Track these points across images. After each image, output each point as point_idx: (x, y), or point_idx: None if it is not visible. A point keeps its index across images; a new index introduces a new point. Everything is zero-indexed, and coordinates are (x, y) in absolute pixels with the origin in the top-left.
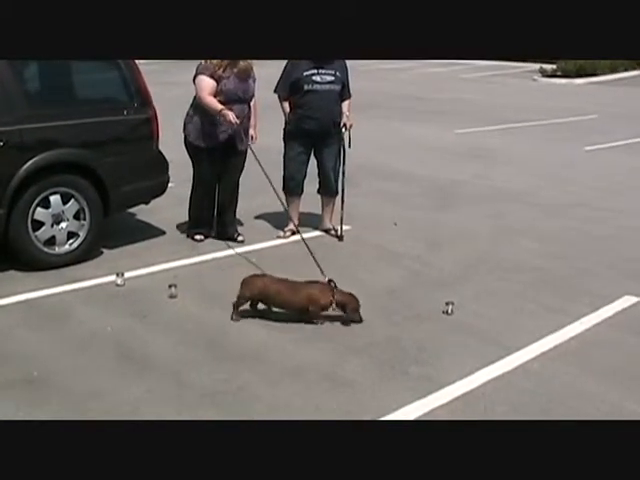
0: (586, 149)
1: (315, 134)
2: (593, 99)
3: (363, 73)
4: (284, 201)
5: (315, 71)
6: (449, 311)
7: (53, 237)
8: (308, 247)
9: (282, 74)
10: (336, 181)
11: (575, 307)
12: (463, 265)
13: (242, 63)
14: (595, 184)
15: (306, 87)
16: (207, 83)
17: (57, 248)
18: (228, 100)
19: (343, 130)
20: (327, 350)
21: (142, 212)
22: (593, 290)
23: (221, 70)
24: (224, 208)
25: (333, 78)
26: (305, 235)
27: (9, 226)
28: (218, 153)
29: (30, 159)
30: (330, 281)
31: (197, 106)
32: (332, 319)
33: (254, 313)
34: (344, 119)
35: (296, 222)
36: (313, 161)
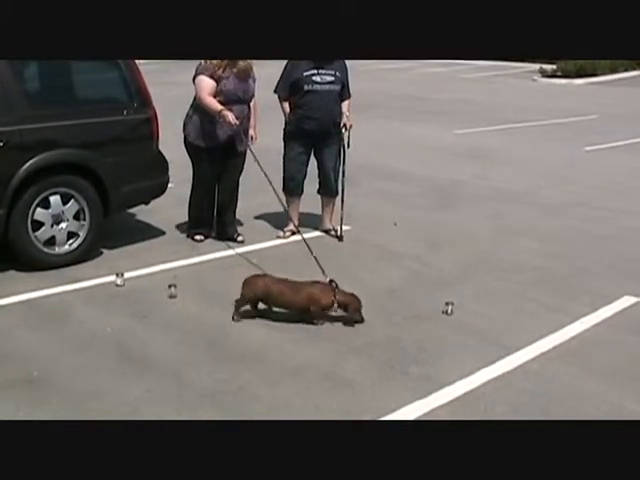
0: (586, 149)
1: (315, 134)
2: (593, 99)
3: (363, 73)
4: (284, 201)
5: (315, 71)
6: (449, 311)
7: (53, 237)
8: (309, 247)
9: (282, 74)
10: (336, 181)
11: (575, 307)
12: (463, 265)
13: (242, 63)
14: (595, 184)
15: (306, 87)
16: (207, 83)
17: (57, 248)
18: (228, 100)
19: (343, 130)
20: (327, 350)
21: (142, 212)
22: (593, 290)
23: (221, 70)
24: (224, 208)
25: (333, 78)
26: (305, 235)
27: (9, 226)
28: (218, 153)
29: (30, 159)
30: (331, 281)
31: (197, 106)
32: (332, 319)
33: (254, 313)
34: (344, 119)
35: (296, 222)
36: (313, 161)
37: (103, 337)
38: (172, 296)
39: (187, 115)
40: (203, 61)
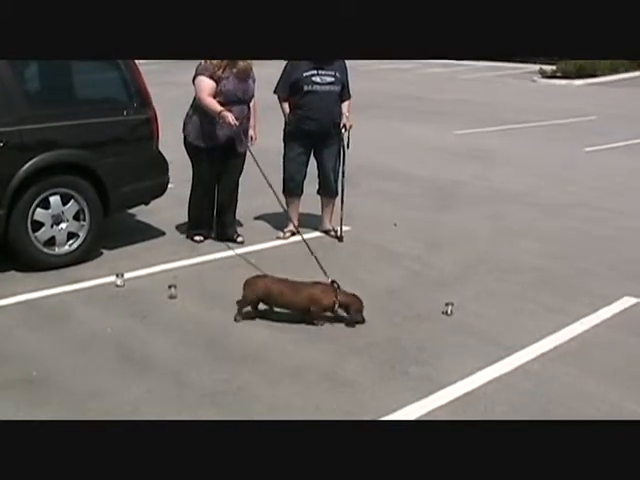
0: (586, 150)
1: (315, 135)
2: (593, 100)
3: (363, 73)
4: (283, 202)
5: (315, 72)
6: (449, 311)
7: (53, 238)
8: (309, 248)
9: (282, 75)
10: (336, 182)
11: (575, 307)
12: (463, 265)
13: (241, 63)
14: (595, 185)
15: (306, 88)
16: (207, 84)
17: (57, 249)
18: (227, 101)
19: (343, 131)
20: (327, 350)
21: (142, 213)
22: (593, 291)
23: (220, 71)
24: (224, 209)
25: (333, 79)
26: (305, 236)
27: (9, 227)
28: (218, 153)
29: (30, 160)
30: (333, 282)
31: (197, 107)
32: (333, 320)
33: (255, 314)
34: (344, 120)
35: (296, 223)
36: (313, 162)
37: (103, 337)
38: (172, 296)
39: (187, 115)
40: (203, 61)
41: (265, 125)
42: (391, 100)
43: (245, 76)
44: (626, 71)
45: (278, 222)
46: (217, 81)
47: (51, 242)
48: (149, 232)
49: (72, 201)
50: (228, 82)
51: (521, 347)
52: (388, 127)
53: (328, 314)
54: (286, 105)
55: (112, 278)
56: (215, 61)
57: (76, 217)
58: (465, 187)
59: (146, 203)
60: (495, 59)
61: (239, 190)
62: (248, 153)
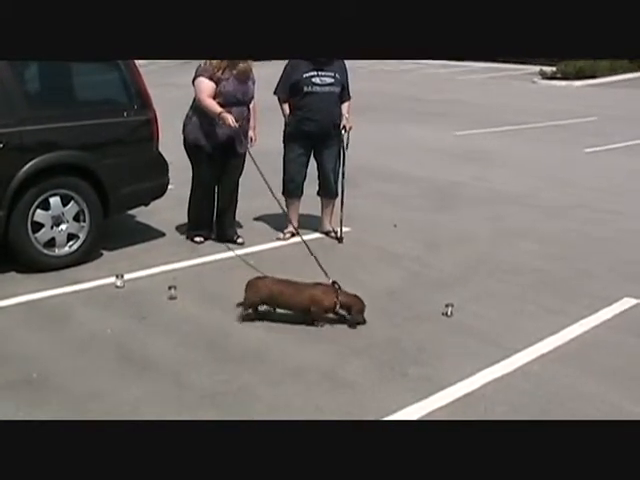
0: (586, 151)
1: (315, 136)
2: (593, 101)
3: (363, 75)
4: (283, 204)
5: (315, 73)
6: (449, 312)
7: (53, 239)
8: (309, 249)
9: (282, 76)
10: (336, 183)
11: (575, 309)
12: (463, 266)
13: (241, 65)
14: (595, 186)
15: (306, 89)
16: (206, 85)
17: (57, 250)
18: (227, 102)
19: (343, 132)
20: (327, 351)
21: (142, 214)
22: (593, 292)
23: (220, 72)
24: (223, 210)
25: (333, 80)
26: (305, 237)
27: (9, 228)
28: (217, 155)
29: (30, 161)
30: (334, 283)
31: (196, 108)
32: (333, 321)
33: (255, 315)
34: (344, 121)
35: (296, 224)
36: (313, 163)
37: (103, 338)
38: (172, 297)
39: (187, 117)
40: (202, 63)
41: (265, 126)
42: (391, 101)
43: (245, 77)
44: (625, 72)
45: (278, 223)
46: (217, 82)
47: (51, 243)
48: (149, 233)
49: (72, 202)
50: (228, 83)
51: (521, 348)
52: (388, 128)
53: (329, 315)
54: (286, 106)
55: (112, 279)
56: (215, 62)
57: (76, 218)
58: (465, 188)
59: (146, 204)
60: (495, 60)
61: (239, 191)
62: (248, 154)
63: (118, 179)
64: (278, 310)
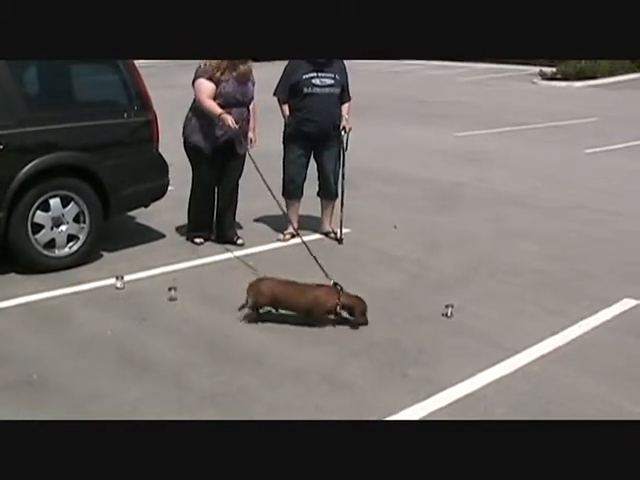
0: (586, 152)
1: (315, 137)
2: (593, 102)
3: (363, 76)
4: (282, 205)
5: (314, 74)
6: (449, 313)
7: (53, 240)
8: (309, 250)
9: (281, 77)
10: (336, 184)
11: (575, 309)
12: (463, 267)
13: (242, 67)
14: (595, 187)
15: (305, 90)
16: (206, 86)
17: (57, 251)
18: (227, 103)
19: (343, 133)
20: (327, 352)
21: (142, 215)
22: (593, 293)
23: (219, 73)
24: (223, 211)
25: (332, 81)
26: (305, 238)
27: (9, 229)
28: (217, 156)
29: (30, 162)
30: (336, 284)
31: (196, 109)
32: (333, 321)
33: (255, 315)
34: (343, 122)
35: (296, 225)
36: (313, 164)
37: (103, 340)
38: (172, 299)
39: (186, 118)
40: (202, 64)
41: (265, 127)
42: (390, 102)
43: (244, 79)
44: (626, 73)
45: (278, 224)
46: (217, 83)
47: (51, 244)
48: (149, 234)
49: (72, 203)
50: (228, 84)
51: (521, 349)
52: (388, 129)
53: (330, 316)
54: (286, 107)
55: (112, 280)
56: (214, 63)
57: (76, 219)
58: (465, 189)
59: (146, 205)
60: (495, 61)
61: (239, 192)
62: (248, 155)
63: (118, 180)
64: (277, 311)
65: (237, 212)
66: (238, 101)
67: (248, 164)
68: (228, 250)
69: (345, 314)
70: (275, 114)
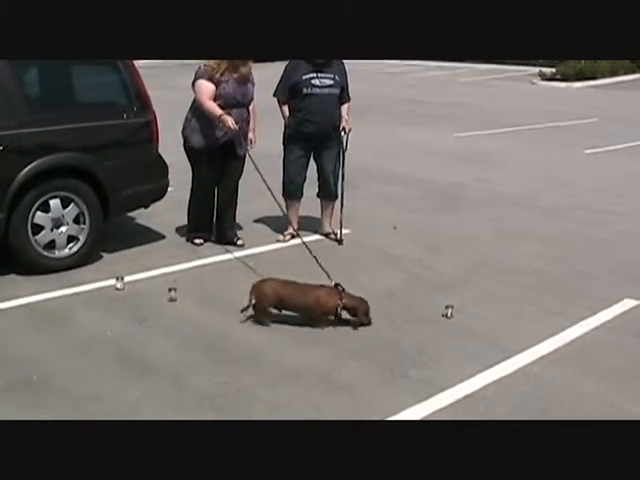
0: (586, 152)
1: (314, 138)
2: (592, 102)
3: (362, 77)
4: (283, 206)
5: (314, 75)
6: (449, 314)
7: (53, 241)
8: (310, 251)
9: (281, 78)
10: (336, 184)
11: (575, 310)
12: (463, 268)
13: (243, 69)
14: (595, 187)
15: (305, 91)
16: (206, 87)
17: (57, 252)
18: (227, 104)
19: (342, 134)
20: (326, 353)
21: (142, 216)
22: (593, 293)
23: (219, 74)
24: (223, 212)
25: (332, 82)
26: (305, 239)
27: (9, 230)
28: (217, 156)
29: (30, 163)
30: (337, 285)
31: (196, 109)
32: (338, 323)
33: (253, 315)
34: (343, 123)
35: (295, 226)
36: (312, 165)
37: (103, 340)
38: (172, 299)
39: (186, 119)
40: (202, 65)
41: (265, 128)
42: (390, 103)
43: (244, 79)
44: (625, 74)
45: (278, 225)
46: (217, 84)
47: (51, 245)
48: (149, 235)
49: (72, 204)
50: (228, 85)
51: (521, 350)
52: (387, 130)
53: (332, 317)
54: (286, 108)
55: (112, 281)
56: (214, 63)
57: (76, 220)
58: (465, 190)
59: (146, 206)
60: (494, 61)
61: (239, 193)
62: (248, 156)
63: (118, 181)
64: (275, 311)
65: (237, 213)
66: (238, 102)
67: (248, 165)
68: (228, 251)
69: (347, 315)
70: (275, 115)
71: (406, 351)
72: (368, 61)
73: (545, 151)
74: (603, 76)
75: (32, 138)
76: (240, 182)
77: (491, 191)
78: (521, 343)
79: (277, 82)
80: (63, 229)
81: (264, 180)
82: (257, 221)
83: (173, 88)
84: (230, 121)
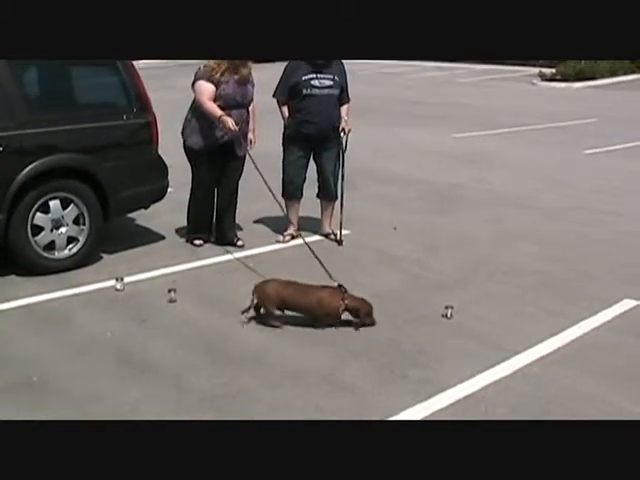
0: (585, 152)
1: (314, 138)
2: (592, 103)
3: (362, 77)
4: (283, 206)
5: (314, 75)
6: (449, 314)
7: (53, 242)
8: (313, 252)
9: (281, 78)
10: (335, 185)
11: (575, 310)
12: (463, 268)
13: (243, 70)
14: (594, 187)
15: (305, 91)
16: (207, 88)
17: (57, 253)
18: (227, 105)
19: (342, 134)
20: (327, 353)
21: (141, 217)
22: (593, 293)
23: (219, 75)
24: (223, 212)
25: (332, 82)
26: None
27: (9, 231)
28: (217, 157)
29: (30, 164)
30: (340, 286)
31: (195, 110)
32: (340, 323)
33: (254, 316)
34: (343, 123)
35: (295, 226)
36: (312, 165)
37: (103, 341)
38: (172, 300)
39: (185, 119)
40: (202, 66)
41: (264, 129)
42: (389, 104)
43: (244, 81)
44: (625, 74)
45: (278, 226)
46: (217, 85)
47: (51, 246)
48: (149, 236)
49: (72, 205)
50: (228, 86)
51: (521, 350)
52: (386, 131)
53: (335, 318)
54: (285, 109)
55: (112, 282)
56: (214, 64)
57: (76, 221)
58: (464, 190)
59: (146, 207)
60: (494, 62)
61: (239, 194)
62: (248, 156)
63: (118, 182)
64: (284, 312)
65: (237, 213)
66: (238, 103)
67: (248, 165)
68: (228, 252)
69: (349, 316)
70: (274, 115)
71: (406, 351)
72: (367, 62)
73: (545, 151)
74: (603, 76)
75: (32, 139)
76: (240, 183)
77: (490, 191)
78: (521, 343)
79: (276, 83)
80: (63, 230)
81: (265, 180)
82: (257, 222)
83: (173, 88)
84: (230, 122)
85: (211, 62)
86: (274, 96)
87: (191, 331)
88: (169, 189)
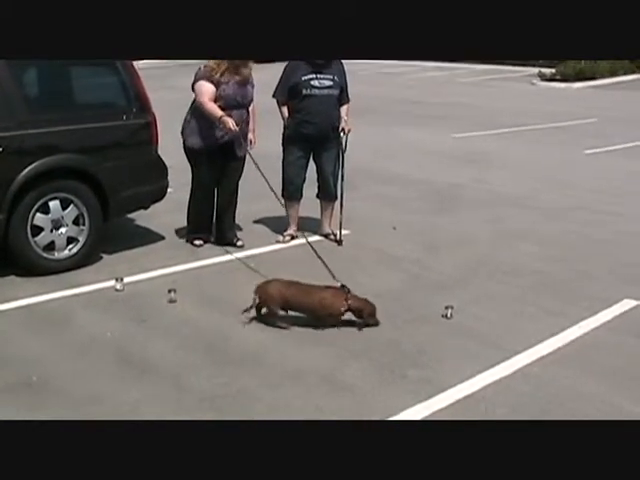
0: (585, 152)
1: (314, 138)
2: (592, 103)
3: (361, 77)
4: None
5: (313, 76)
6: (449, 315)
7: (52, 242)
8: (315, 251)
9: (280, 79)
10: (335, 185)
11: (575, 310)
12: (463, 268)
13: (244, 71)
14: (594, 188)
15: (304, 92)
16: (207, 88)
17: (56, 253)
18: (227, 105)
19: (342, 134)
20: (327, 353)
21: (141, 217)
22: (593, 294)
23: (219, 75)
24: (223, 213)
25: (331, 83)
26: (303, 240)
27: (9, 231)
28: (217, 157)
29: (29, 164)
30: (343, 286)
31: (195, 110)
32: (343, 324)
33: (254, 316)
34: (342, 123)
35: (295, 227)
36: (312, 165)
37: (103, 341)
38: (171, 301)
39: (185, 120)
40: (202, 66)
41: (264, 129)
42: (389, 104)
43: (245, 81)
44: (625, 74)
45: (278, 226)
46: (217, 85)
47: (51, 247)
48: (148, 236)
49: (72, 206)
50: (228, 87)
51: (521, 350)
52: (386, 131)
53: (337, 318)
54: (285, 109)
55: (112, 282)
56: (214, 64)
57: (76, 222)
58: (464, 190)
59: (145, 207)
60: (494, 62)
61: (238, 194)
62: (247, 157)
63: (118, 182)
64: (287, 312)
65: (237, 214)
66: (238, 103)
67: (248, 165)
68: (228, 252)
69: (352, 316)
70: (274, 116)
71: (406, 351)
72: (367, 62)
73: (545, 151)
74: (603, 76)
75: (32, 139)
76: (240, 183)
77: (490, 191)
78: (521, 343)
79: (276, 83)
80: (63, 230)
81: (266, 180)
82: (257, 222)
83: (173, 89)
84: (231, 122)
85: (211, 62)
86: (274, 96)
87: (191, 331)
88: (169, 189)
